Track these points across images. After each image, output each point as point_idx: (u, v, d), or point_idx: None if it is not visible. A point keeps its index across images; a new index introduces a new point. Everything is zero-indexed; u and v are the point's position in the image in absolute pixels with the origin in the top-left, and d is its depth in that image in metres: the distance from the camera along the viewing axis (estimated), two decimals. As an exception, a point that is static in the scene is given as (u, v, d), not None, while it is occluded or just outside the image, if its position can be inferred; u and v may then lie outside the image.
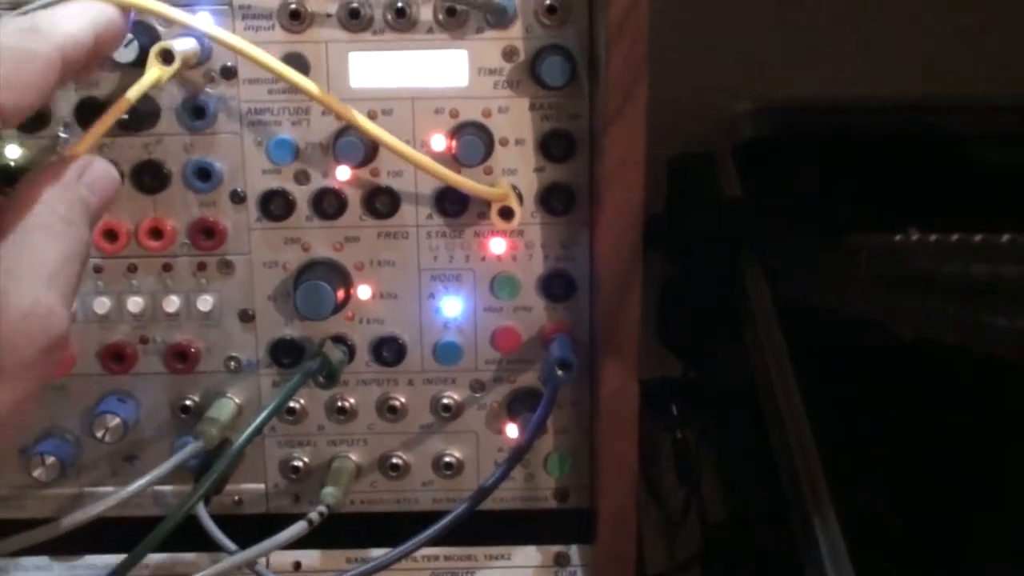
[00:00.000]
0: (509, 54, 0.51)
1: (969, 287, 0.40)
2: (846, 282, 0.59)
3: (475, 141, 0.51)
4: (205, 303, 0.54)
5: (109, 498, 0.49)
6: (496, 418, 0.55)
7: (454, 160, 0.51)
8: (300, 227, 0.53)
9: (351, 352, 0.54)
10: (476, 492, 0.51)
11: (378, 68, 0.51)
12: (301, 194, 0.53)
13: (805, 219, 0.71)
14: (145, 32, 0.50)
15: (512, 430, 0.55)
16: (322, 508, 0.52)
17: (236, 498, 0.56)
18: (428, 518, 0.50)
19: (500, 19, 0.51)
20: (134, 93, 0.48)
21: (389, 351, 0.54)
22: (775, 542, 0.66)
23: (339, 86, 0.51)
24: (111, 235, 0.53)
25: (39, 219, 0.36)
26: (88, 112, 0.51)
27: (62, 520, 0.49)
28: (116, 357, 0.54)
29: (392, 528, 0.53)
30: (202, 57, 0.51)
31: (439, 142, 0.52)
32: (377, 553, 0.54)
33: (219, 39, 0.46)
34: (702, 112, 0.89)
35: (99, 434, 0.53)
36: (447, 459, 0.56)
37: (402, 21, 0.51)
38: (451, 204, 0.53)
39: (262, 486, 0.56)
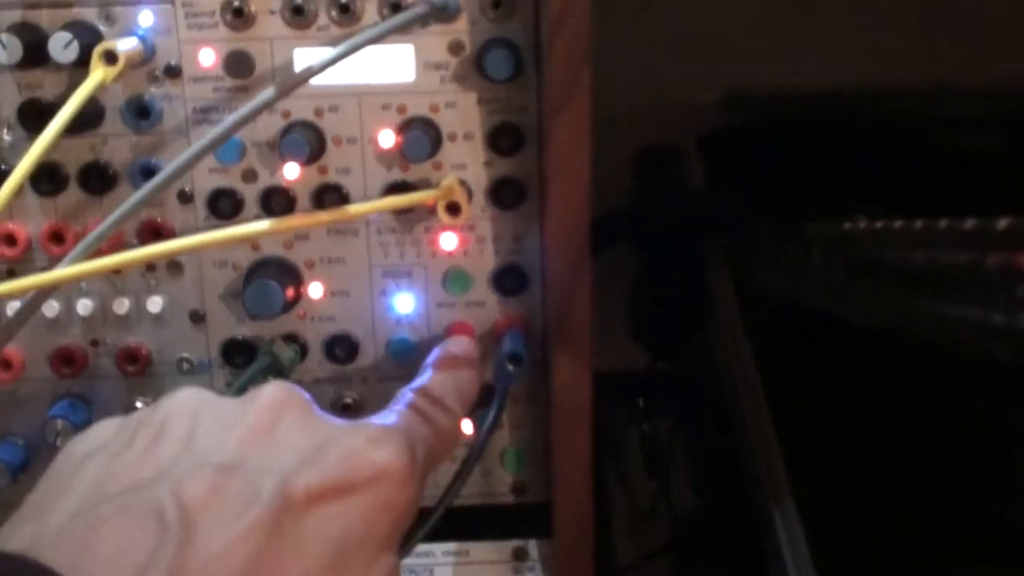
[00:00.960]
0: (455, 48, 0.51)
1: (909, 273, 0.39)
2: (803, 271, 0.59)
3: (423, 136, 0.50)
4: (155, 304, 0.54)
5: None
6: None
7: (402, 156, 0.51)
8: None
9: (303, 350, 0.54)
10: (443, 495, 0.49)
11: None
12: (249, 192, 0.52)
13: (766, 209, 0.71)
14: (86, 32, 0.50)
15: (467, 426, 0.54)
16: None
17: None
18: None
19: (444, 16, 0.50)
20: (80, 96, 0.48)
21: (342, 349, 0.54)
22: (742, 533, 0.66)
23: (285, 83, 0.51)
24: (57, 238, 0.52)
25: None
26: (31, 113, 0.51)
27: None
28: (67, 361, 0.54)
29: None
30: (146, 56, 0.51)
31: (387, 138, 0.52)
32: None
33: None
34: (668, 104, 0.89)
35: (51, 439, 0.53)
36: (403, 456, 0.55)
37: (346, 16, 0.50)
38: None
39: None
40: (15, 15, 0.50)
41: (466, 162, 0.52)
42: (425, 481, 0.41)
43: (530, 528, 0.56)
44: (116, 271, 0.53)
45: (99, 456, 0.36)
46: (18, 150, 0.51)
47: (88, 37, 0.50)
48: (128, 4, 0.50)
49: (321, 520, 0.36)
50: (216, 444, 0.36)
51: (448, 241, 0.53)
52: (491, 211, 0.53)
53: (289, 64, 0.51)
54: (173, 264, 0.53)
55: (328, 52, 0.49)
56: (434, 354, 0.50)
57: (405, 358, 0.54)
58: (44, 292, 0.48)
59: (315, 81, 0.50)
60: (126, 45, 0.49)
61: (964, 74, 0.84)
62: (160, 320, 0.54)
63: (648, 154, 0.87)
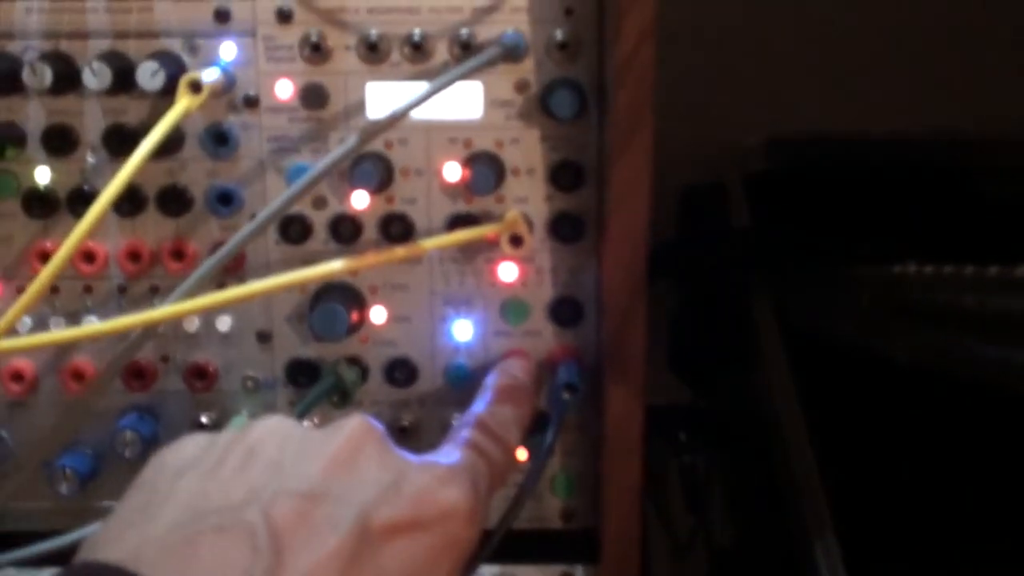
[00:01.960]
0: (521, 87, 0.53)
1: (958, 317, 0.41)
2: (849, 313, 0.60)
3: (487, 171, 0.52)
4: (224, 323, 0.56)
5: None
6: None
7: (466, 188, 0.53)
8: (317, 251, 0.55)
9: (364, 373, 0.56)
10: (500, 522, 0.50)
11: (395, 99, 0.53)
12: (318, 219, 0.55)
13: (812, 250, 0.72)
14: (172, 61, 0.52)
15: (522, 453, 0.56)
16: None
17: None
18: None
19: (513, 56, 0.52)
20: (167, 123, 0.50)
21: (401, 373, 0.56)
22: (781, 568, 0.67)
23: (356, 115, 0.53)
24: (135, 256, 0.55)
25: None
26: (116, 138, 0.53)
27: (82, 532, 0.51)
28: (137, 375, 0.56)
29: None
30: (226, 86, 0.53)
31: (453, 171, 0.54)
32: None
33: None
34: (714, 144, 0.90)
35: (121, 450, 0.55)
36: (456, 479, 0.57)
37: (418, 54, 0.53)
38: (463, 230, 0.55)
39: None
40: (104, 44, 0.53)
41: (527, 196, 0.54)
42: (486, 514, 0.43)
43: (577, 553, 0.57)
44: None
45: (192, 473, 0.38)
46: (100, 172, 0.54)
47: (173, 67, 0.52)
48: (211, 36, 0.53)
49: (394, 552, 0.38)
50: (302, 472, 0.38)
51: (507, 272, 0.55)
52: (550, 244, 0.55)
53: (362, 98, 0.53)
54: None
55: (399, 87, 0.52)
56: (493, 377, 0.52)
57: (462, 384, 0.56)
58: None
59: (386, 115, 0.52)
60: (210, 76, 0.51)
61: (1008, 123, 0.85)
62: (228, 339, 0.56)
63: (694, 193, 0.89)
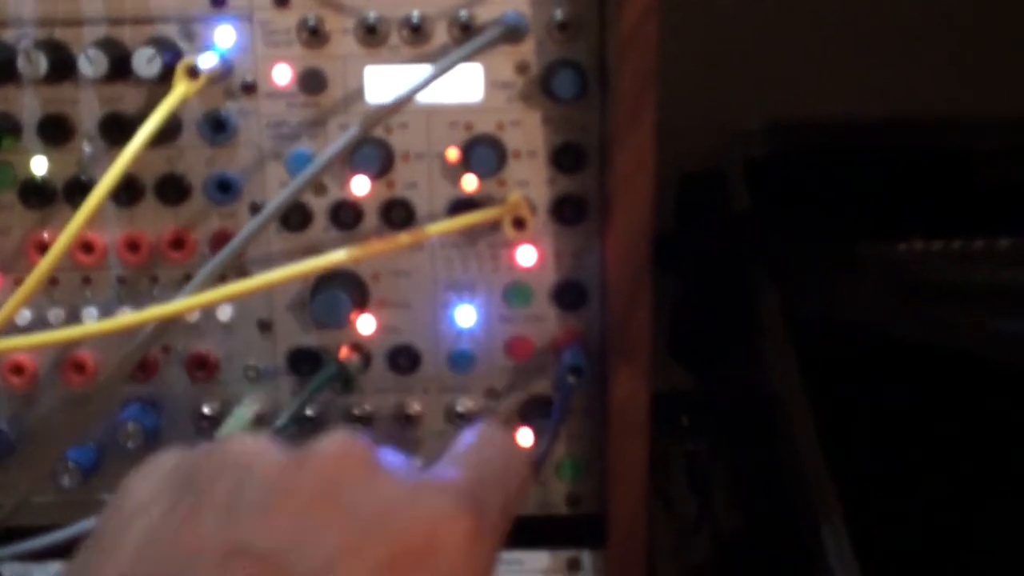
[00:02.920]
0: (522, 68, 0.53)
1: (970, 292, 0.40)
2: (854, 292, 0.60)
3: (489, 153, 0.52)
4: (225, 313, 0.55)
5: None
6: (509, 425, 0.56)
7: (467, 172, 0.53)
8: (318, 238, 0.54)
9: (367, 360, 0.55)
10: None
11: (394, 82, 0.53)
12: (319, 205, 0.54)
13: (814, 232, 0.72)
14: (168, 48, 0.52)
15: (525, 436, 0.56)
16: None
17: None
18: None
19: (513, 37, 0.52)
20: (164, 110, 0.50)
21: (404, 359, 0.56)
22: (786, 553, 0.66)
23: (355, 100, 0.53)
24: (133, 246, 0.54)
25: None
26: (113, 127, 0.53)
27: (85, 524, 0.50)
28: (139, 366, 0.55)
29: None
30: (223, 72, 0.53)
31: (453, 154, 0.53)
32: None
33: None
34: (713, 129, 0.90)
35: (123, 441, 0.54)
36: (461, 466, 0.56)
37: (417, 36, 0.52)
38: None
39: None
40: (100, 31, 0.52)
41: (529, 179, 0.54)
42: (501, 531, 0.36)
43: (584, 538, 0.57)
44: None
45: (142, 519, 0.33)
46: (98, 161, 0.53)
47: (169, 53, 0.52)
48: (207, 21, 0.52)
49: None
50: (261, 520, 0.32)
51: (510, 256, 0.55)
52: (553, 227, 0.54)
53: (361, 82, 0.53)
54: (243, 273, 0.55)
55: (398, 71, 0.52)
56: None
57: (466, 369, 0.55)
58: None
59: (385, 98, 0.52)
60: (207, 61, 0.51)
61: (1007, 104, 0.85)
62: (229, 328, 0.55)
63: (693, 180, 0.88)
